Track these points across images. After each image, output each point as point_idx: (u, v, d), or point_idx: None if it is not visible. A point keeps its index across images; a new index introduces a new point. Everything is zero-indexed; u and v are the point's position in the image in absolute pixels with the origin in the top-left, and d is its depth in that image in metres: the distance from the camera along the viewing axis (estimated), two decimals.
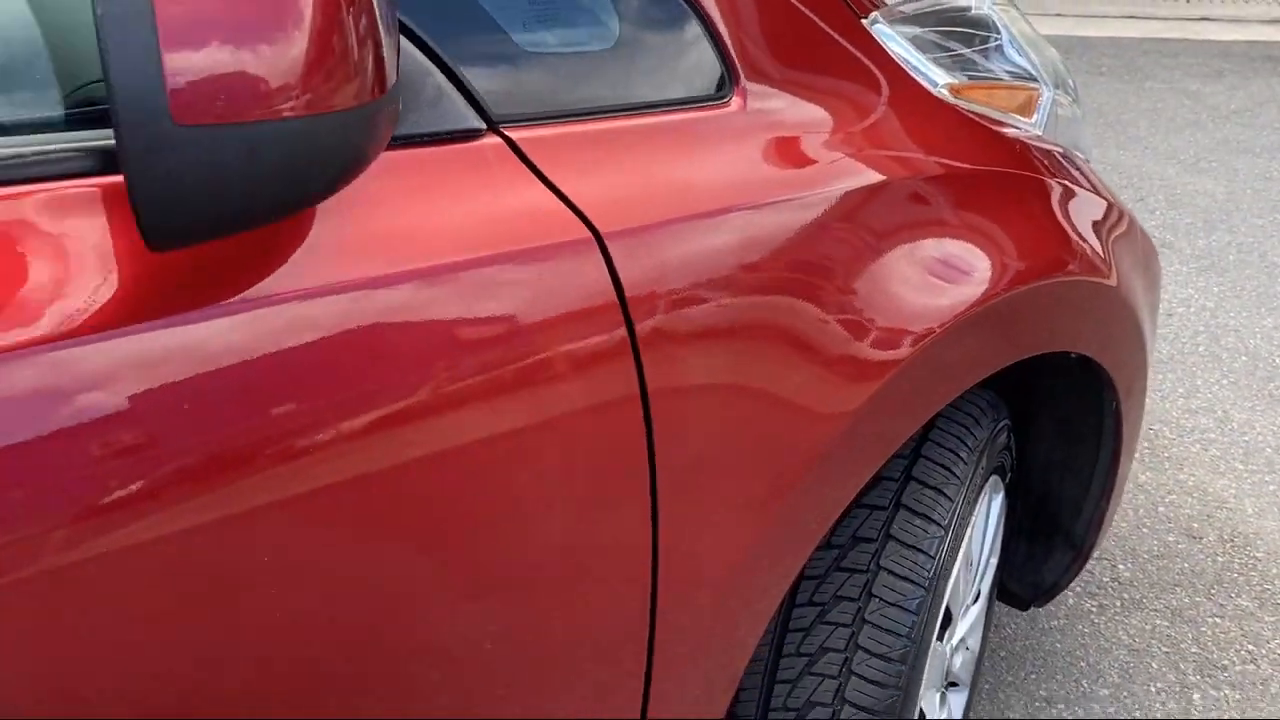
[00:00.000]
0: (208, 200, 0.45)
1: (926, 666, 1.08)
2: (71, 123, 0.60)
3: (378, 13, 0.44)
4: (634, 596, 0.82)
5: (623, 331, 0.72)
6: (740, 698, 1.01)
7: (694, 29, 0.81)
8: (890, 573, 1.02)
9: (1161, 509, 2.11)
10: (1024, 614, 1.82)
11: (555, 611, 0.78)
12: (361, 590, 0.66)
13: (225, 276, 0.58)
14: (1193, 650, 1.75)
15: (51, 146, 0.58)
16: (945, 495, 1.06)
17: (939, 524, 1.04)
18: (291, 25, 0.41)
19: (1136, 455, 2.24)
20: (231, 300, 0.58)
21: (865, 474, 0.99)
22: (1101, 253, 1.19)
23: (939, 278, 0.98)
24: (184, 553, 0.57)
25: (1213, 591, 1.89)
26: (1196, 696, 1.66)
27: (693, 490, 0.82)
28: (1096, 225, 1.22)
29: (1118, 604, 1.86)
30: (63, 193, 0.56)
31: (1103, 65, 5.68)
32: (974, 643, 1.36)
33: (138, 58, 0.39)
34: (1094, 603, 1.86)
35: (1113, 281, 1.20)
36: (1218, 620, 1.82)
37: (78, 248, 0.56)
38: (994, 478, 1.25)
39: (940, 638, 1.13)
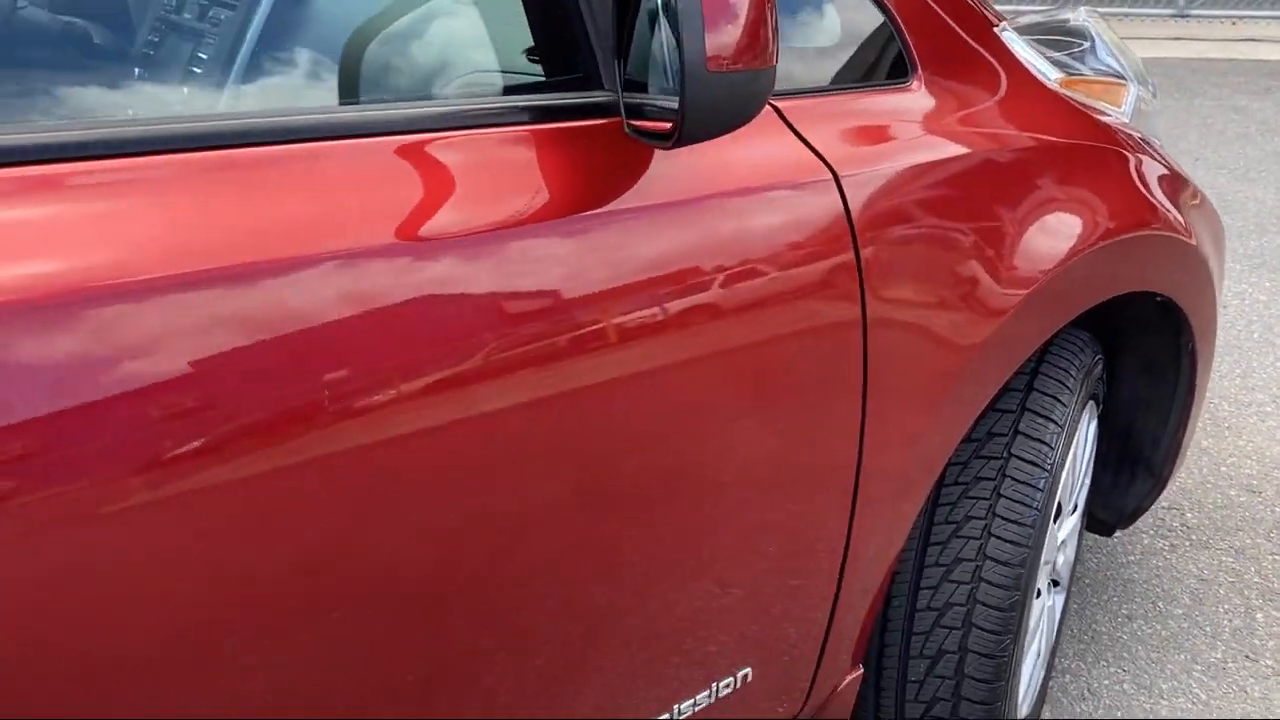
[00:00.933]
0: (709, 116, 0.74)
1: (1045, 539, 1.35)
2: (508, 90, 0.90)
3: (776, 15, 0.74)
4: (846, 463, 1.10)
5: (850, 254, 1.00)
6: (901, 558, 1.28)
7: (888, 33, 1.10)
8: (1019, 459, 1.29)
9: (1224, 469, 2.36)
10: (1105, 550, 2.08)
11: (793, 467, 1.06)
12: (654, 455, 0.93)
13: (610, 188, 0.87)
14: (1255, 580, 2.00)
15: (499, 104, 0.88)
16: (1060, 402, 1.33)
17: (1057, 423, 1.32)
18: (736, 19, 0.71)
19: (1200, 425, 2.49)
20: (608, 209, 0.87)
21: (999, 380, 1.26)
22: (1180, 216, 1.47)
23: (1057, 227, 1.26)
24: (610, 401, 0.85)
25: (1271, 535, 2.13)
26: (1260, 616, 1.91)
27: (889, 386, 1.09)
28: (1175, 195, 1.49)
29: (1187, 544, 2.11)
30: (510, 134, 0.86)
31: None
32: (1071, 549, 1.63)
33: (696, 34, 0.69)
34: (1165, 543, 2.12)
35: (1191, 240, 1.47)
36: (1276, 557, 2.07)
37: (515, 170, 0.86)
38: (1090, 403, 1.52)
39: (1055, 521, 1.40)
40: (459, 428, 0.79)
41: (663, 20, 0.77)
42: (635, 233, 0.88)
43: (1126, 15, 7.83)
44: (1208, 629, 1.88)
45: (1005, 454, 1.30)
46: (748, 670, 1.09)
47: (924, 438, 1.19)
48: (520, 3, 0.89)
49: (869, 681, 1.32)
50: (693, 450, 0.96)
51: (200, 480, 0.67)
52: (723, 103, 0.73)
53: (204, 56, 1.10)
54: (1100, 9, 7.69)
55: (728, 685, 1.07)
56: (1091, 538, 2.10)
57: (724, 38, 0.71)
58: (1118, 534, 2.02)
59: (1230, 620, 1.90)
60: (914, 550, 1.30)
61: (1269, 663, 1.80)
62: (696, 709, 1.05)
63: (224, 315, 0.69)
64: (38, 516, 0.62)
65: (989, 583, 1.27)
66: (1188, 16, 7.87)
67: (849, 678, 1.24)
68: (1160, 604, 1.94)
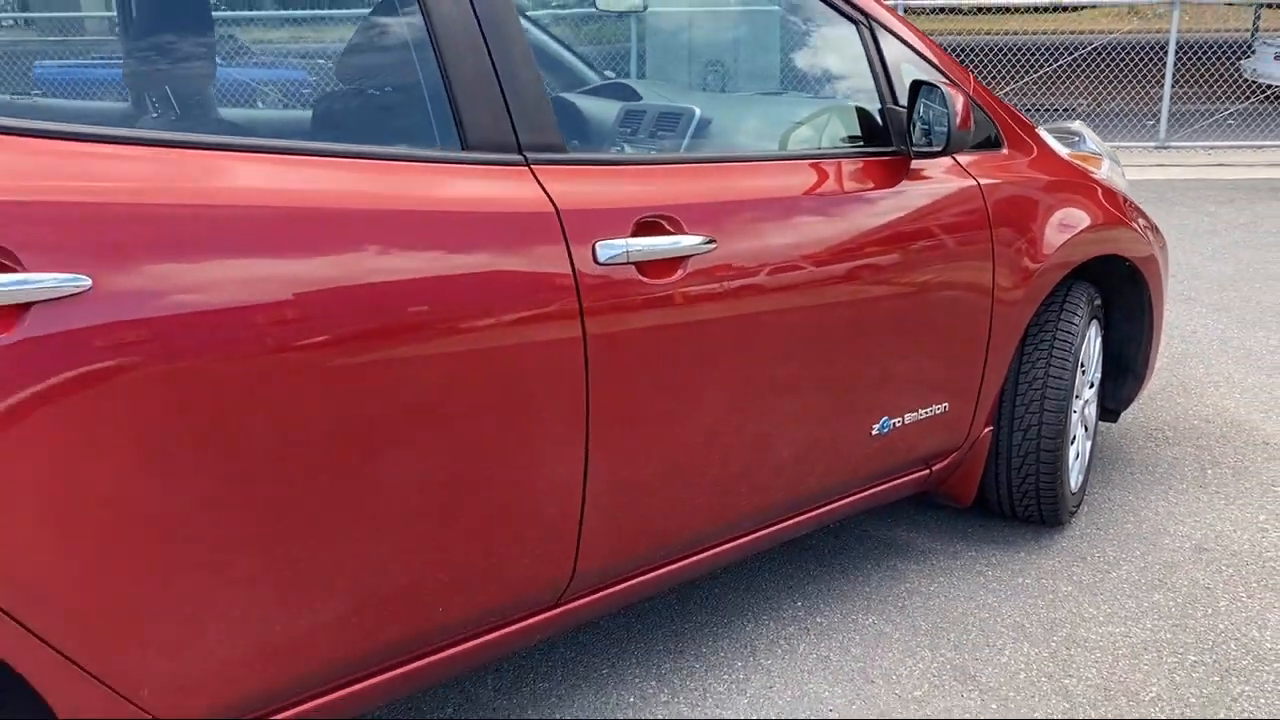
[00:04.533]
0: (954, 145, 2.14)
1: (1077, 381, 2.68)
2: (834, 145, 2.31)
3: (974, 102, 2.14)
4: (981, 338, 2.45)
5: (983, 206, 2.39)
6: (1006, 376, 2.62)
7: (994, 127, 2.52)
8: (1063, 330, 2.64)
9: (1190, 412, 3.68)
10: (1117, 448, 3.38)
11: (960, 327, 2.40)
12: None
13: (893, 180, 2.26)
14: (1207, 459, 3.30)
15: (846, 150, 2.28)
16: (1080, 309, 2.69)
17: (1084, 315, 2.68)
18: (959, 114, 2.12)
19: (1176, 392, 3.82)
20: (892, 190, 2.25)
21: (1047, 289, 2.61)
22: (1135, 224, 2.85)
23: (1072, 217, 2.64)
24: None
25: (1220, 440, 3.43)
26: (1210, 472, 3.20)
27: (1000, 302, 2.46)
28: (1132, 216, 2.88)
29: (1165, 444, 3.42)
30: (852, 161, 2.25)
31: (1141, 199, 7.39)
32: (1091, 409, 2.95)
33: (954, 118, 2.09)
34: (1153, 443, 3.42)
35: (1142, 237, 2.85)
36: (1222, 449, 3.37)
37: (857, 174, 2.24)
38: (1095, 321, 2.86)
39: (1083, 373, 2.75)
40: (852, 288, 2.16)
41: (922, 121, 2.18)
42: (904, 199, 2.26)
43: (1117, 147, 9.41)
44: (1177, 476, 3.18)
45: (1054, 329, 2.65)
46: (946, 404, 2.43)
47: (1013, 319, 2.54)
48: (856, 118, 2.31)
49: (994, 437, 2.64)
50: (919, 312, 2.31)
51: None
52: (958, 141, 2.14)
53: (666, 138, 2.52)
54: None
55: (937, 409, 2.41)
56: (1108, 437, 3.42)
57: (959, 119, 2.13)
58: (1121, 425, 3.34)
59: (1192, 473, 3.20)
60: (1013, 373, 2.64)
61: (1214, 488, 3.09)
62: (923, 416, 2.38)
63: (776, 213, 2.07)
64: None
65: (1051, 388, 2.61)
66: (1168, 148, 9.47)
67: (985, 430, 2.58)
68: (1149, 467, 3.25)
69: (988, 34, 19.65)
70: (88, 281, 1.26)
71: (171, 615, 1.40)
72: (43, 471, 1.25)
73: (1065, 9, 16.93)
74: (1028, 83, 11.16)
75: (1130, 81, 10.30)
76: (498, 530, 1.71)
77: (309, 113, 2.10)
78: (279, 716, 1.56)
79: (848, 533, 2.86)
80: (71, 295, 1.25)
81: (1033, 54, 10.43)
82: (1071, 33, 20.36)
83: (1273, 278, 5.35)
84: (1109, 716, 2.09)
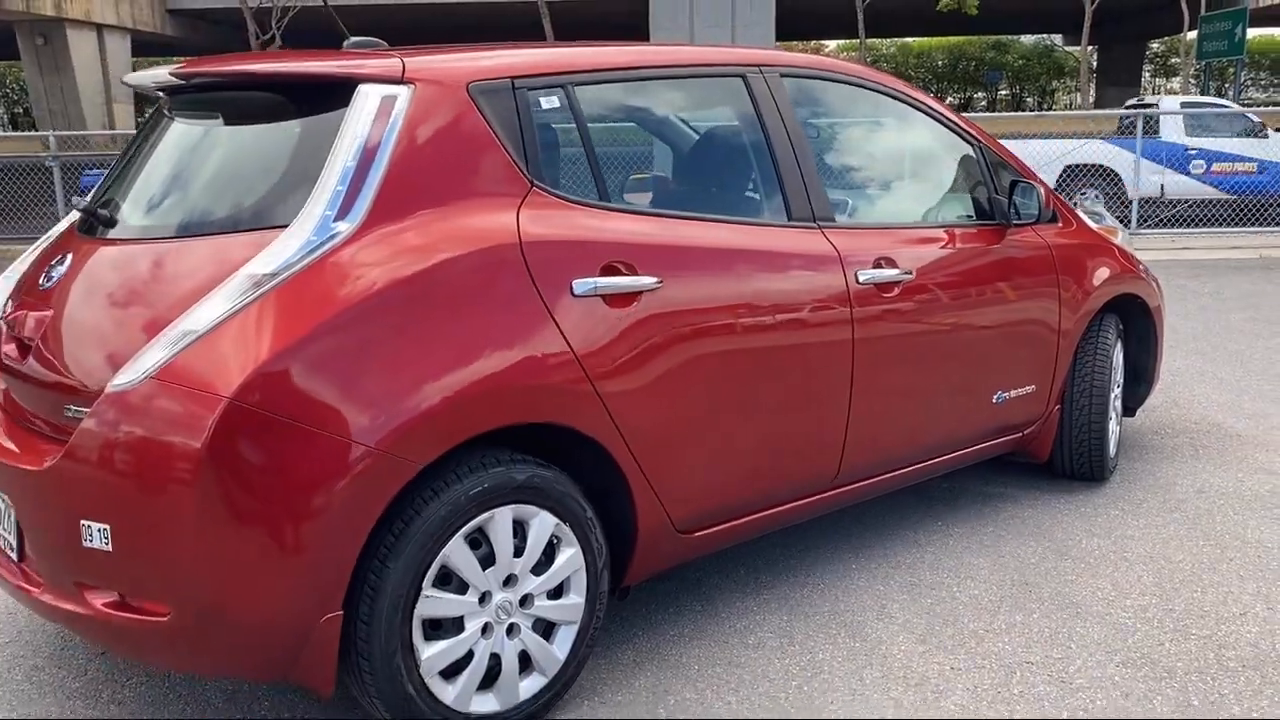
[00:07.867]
0: (1040, 217, 3.48)
1: (1110, 379, 3.97)
2: (965, 220, 3.64)
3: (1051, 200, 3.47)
4: (1053, 343, 3.75)
5: (1053, 260, 3.71)
6: (1069, 370, 3.91)
7: (1054, 210, 3.85)
8: (1102, 343, 3.94)
9: (1182, 418, 4.98)
10: (1135, 442, 4.66)
11: (1035, 350, 3.70)
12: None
13: (995, 240, 3.57)
14: (1201, 445, 4.59)
15: (964, 223, 3.60)
16: (1113, 330, 4.00)
17: (1114, 336, 3.99)
18: (1042, 202, 3.45)
19: (1170, 406, 5.13)
20: (995, 245, 3.56)
21: (1090, 316, 3.92)
22: (1145, 276, 4.19)
23: (1103, 269, 3.96)
24: None
25: (1205, 434, 4.73)
26: (1201, 451, 4.48)
27: (1064, 319, 3.77)
28: (1140, 269, 4.22)
29: (1166, 435, 4.70)
30: (968, 229, 3.57)
31: None
32: (1118, 402, 4.23)
33: (1041, 203, 3.43)
34: (1156, 436, 4.71)
35: (1152, 285, 4.19)
36: (1207, 438, 4.66)
37: (970, 235, 3.55)
38: (1119, 340, 4.16)
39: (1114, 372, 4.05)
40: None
41: (1014, 203, 3.51)
42: (1008, 252, 3.57)
43: None
44: (1178, 454, 4.46)
45: (1096, 342, 3.95)
46: (1034, 386, 3.71)
47: (1067, 343, 3.85)
48: (972, 203, 3.63)
49: (1061, 414, 3.92)
50: (1019, 322, 3.61)
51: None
52: (1045, 216, 3.47)
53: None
54: None
55: (1029, 389, 3.69)
56: (1126, 433, 4.70)
57: (1045, 203, 3.46)
58: (1136, 422, 4.64)
59: (1188, 452, 4.49)
60: (1071, 371, 3.92)
61: (1204, 459, 4.37)
62: (1021, 392, 3.66)
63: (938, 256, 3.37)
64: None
65: (1096, 379, 3.90)
66: (1139, 234, 10.99)
67: (1056, 407, 3.87)
68: (1157, 449, 4.53)
69: None
70: (659, 280, 2.54)
71: (682, 459, 2.64)
72: (644, 370, 2.51)
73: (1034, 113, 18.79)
74: None
75: (1090, 182, 11.87)
76: (809, 437, 2.96)
77: (712, 192, 3.37)
78: (714, 529, 2.79)
79: (956, 488, 4.10)
80: (654, 288, 2.53)
81: None
82: (1036, 135, 22.26)
83: (1235, 330, 6.74)
84: (1153, 576, 3.33)
